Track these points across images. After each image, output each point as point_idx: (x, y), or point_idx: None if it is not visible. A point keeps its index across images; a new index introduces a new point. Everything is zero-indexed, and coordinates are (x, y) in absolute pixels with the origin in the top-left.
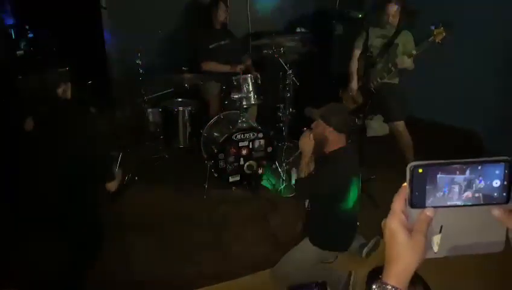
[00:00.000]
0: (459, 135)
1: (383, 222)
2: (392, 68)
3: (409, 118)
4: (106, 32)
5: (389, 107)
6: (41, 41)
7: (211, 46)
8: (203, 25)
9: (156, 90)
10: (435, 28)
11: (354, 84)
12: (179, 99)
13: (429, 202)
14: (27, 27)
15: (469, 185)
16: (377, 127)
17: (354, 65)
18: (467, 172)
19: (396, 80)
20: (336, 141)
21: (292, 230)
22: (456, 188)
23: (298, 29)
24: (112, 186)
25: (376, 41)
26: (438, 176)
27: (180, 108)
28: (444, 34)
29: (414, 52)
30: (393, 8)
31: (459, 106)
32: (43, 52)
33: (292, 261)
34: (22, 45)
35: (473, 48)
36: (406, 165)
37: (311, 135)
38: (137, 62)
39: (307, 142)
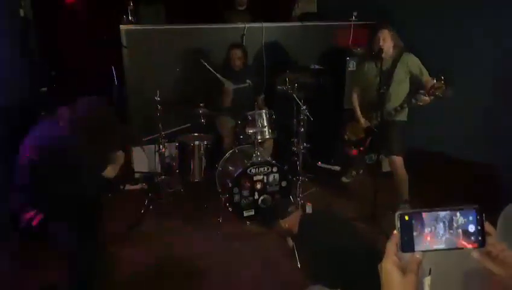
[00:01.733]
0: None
1: (379, 265)
2: (399, 108)
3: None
4: (126, 70)
5: (389, 142)
6: (63, 79)
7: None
8: (223, 66)
9: (173, 125)
10: (436, 81)
11: (359, 119)
12: (195, 134)
13: (417, 246)
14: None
15: (451, 222)
16: None
17: (354, 100)
18: (448, 210)
19: (404, 117)
20: None
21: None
22: (440, 225)
23: (312, 66)
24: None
25: (372, 74)
26: (423, 214)
27: (196, 142)
28: (444, 87)
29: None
30: (383, 34)
31: (471, 139)
32: (64, 88)
33: None
34: (45, 82)
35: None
36: (421, 199)
37: None
38: (156, 98)
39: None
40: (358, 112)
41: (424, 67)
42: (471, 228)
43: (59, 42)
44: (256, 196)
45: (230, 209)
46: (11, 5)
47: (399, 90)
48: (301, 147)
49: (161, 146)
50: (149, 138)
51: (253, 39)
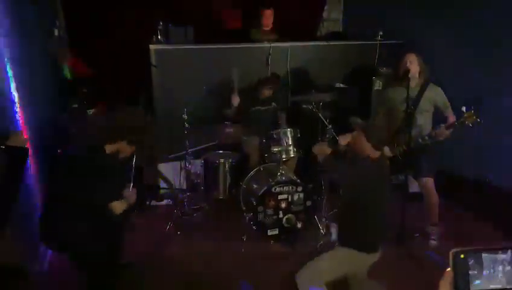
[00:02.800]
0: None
1: None
2: (426, 138)
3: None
4: (155, 88)
5: (419, 163)
6: (93, 96)
7: (252, 109)
8: (253, 89)
9: (199, 142)
10: (466, 111)
11: (385, 150)
12: (220, 152)
13: (473, 286)
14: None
15: (510, 265)
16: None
17: None
18: (509, 252)
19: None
20: (371, 155)
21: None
22: (499, 267)
23: (337, 85)
24: None
25: (397, 100)
26: (483, 255)
27: (221, 160)
28: (474, 117)
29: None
30: (410, 57)
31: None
32: (95, 106)
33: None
34: (76, 99)
35: None
36: (451, 222)
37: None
38: (184, 116)
39: (321, 150)
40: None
41: (451, 91)
42: None
43: (90, 60)
44: (280, 215)
45: (254, 227)
46: (47, 25)
47: (424, 120)
48: None
49: (187, 163)
50: (175, 155)
51: (279, 58)
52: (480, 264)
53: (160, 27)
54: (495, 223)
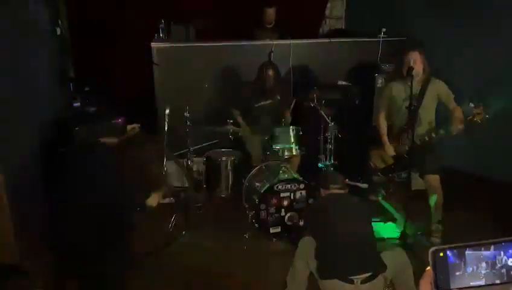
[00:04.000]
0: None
1: None
2: (433, 134)
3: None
4: (157, 86)
5: (424, 161)
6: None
7: (256, 105)
8: (253, 82)
9: (201, 140)
10: (474, 107)
11: (388, 148)
12: (223, 150)
13: (453, 284)
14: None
15: (494, 261)
16: (421, 180)
17: (382, 125)
18: (492, 248)
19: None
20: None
21: None
22: (483, 264)
23: (340, 82)
24: None
25: (400, 97)
26: (466, 252)
27: (224, 158)
28: (483, 113)
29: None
30: (414, 55)
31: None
32: (97, 104)
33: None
34: (79, 97)
35: None
36: (452, 220)
37: None
38: (186, 114)
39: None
40: (385, 138)
41: (457, 86)
42: None
43: (93, 59)
44: (282, 213)
45: (256, 225)
46: (50, 24)
47: (427, 116)
48: (328, 164)
49: (189, 161)
50: (178, 153)
51: (281, 56)
52: (463, 262)
53: (161, 25)
54: (499, 221)
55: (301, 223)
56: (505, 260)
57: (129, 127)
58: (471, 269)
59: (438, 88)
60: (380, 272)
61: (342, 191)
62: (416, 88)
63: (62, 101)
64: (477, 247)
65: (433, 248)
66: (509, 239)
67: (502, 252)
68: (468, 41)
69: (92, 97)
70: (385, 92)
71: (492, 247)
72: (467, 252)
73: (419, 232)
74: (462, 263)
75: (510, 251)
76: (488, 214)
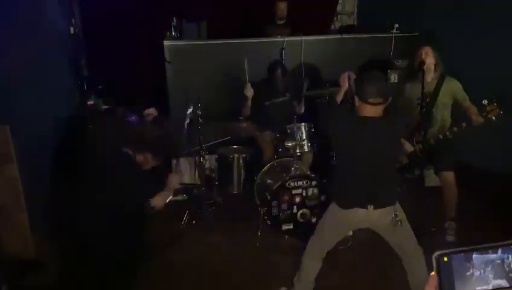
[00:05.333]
0: None
1: None
2: (448, 133)
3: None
4: (169, 84)
5: (439, 158)
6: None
7: (266, 103)
8: (265, 80)
9: (213, 138)
10: (488, 104)
11: (405, 146)
12: (235, 147)
13: (459, 289)
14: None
15: (502, 265)
16: (435, 177)
17: None
18: (499, 251)
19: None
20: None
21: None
22: (489, 268)
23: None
24: None
25: (414, 96)
26: (473, 256)
27: (236, 155)
28: (497, 110)
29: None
30: (426, 49)
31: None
32: (110, 102)
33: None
34: (92, 95)
35: None
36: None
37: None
38: (198, 112)
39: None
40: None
41: (470, 83)
42: None
43: (105, 58)
44: (295, 210)
45: (268, 222)
46: (63, 23)
47: (444, 114)
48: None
49: (201, 158)
50: (190, 150)
51: (293, 52)
52: (470, 266)
53: (174, 23)
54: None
55: (313, 220)
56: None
57: (146, 111)
58: (478, 273)
59: (453, 87)
60: (392, 204)
61: (380, 107)
62: (431, 86)
63: (76, 100)
64: (484, 250)
65: (436, 253)
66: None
67: (510, 256)
68: (479, 37)
69: (105, 95)
70: (399, 90)
71: (500, 250)
72: (474, 255)
73: (433, 229)
74: (469, 267)
75: None
76: (506, 211)
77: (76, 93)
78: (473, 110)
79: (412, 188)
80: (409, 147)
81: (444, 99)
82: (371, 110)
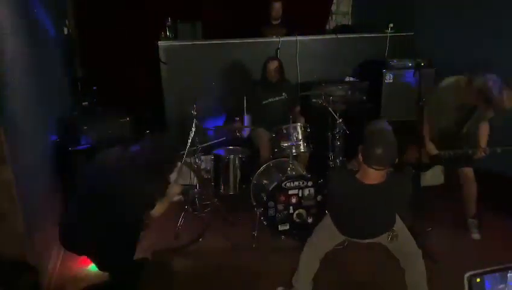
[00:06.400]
0: None
1: None
2: (470, 152)
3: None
4: (164, 85)
5: (458, 155)
6: (104, 93)
7: (264, 102)
8: (260, 79)
9: (209, 138)
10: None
11: (428, 145)
12: (230, 147)
13: None
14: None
15: None
16: (431, 176)
17: (426, 130)
18: None
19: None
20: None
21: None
22: None
23: (347, 78)
24: None
25: (451, 106)
26: (508, 275)
27: (231, 156)
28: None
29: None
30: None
31: None
32: (105, 103)
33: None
34: (87, 96)
35: None
36: (464, 217)
37: None
38: (193, 112)
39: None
40: (427, 139)
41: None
42: None
43: (100, 59)
44: (291, 210)
45: (265, 223)
46: (58, 24)
47: (480, 130)
48: (337, 161)
49: (197, 159)
50: (185, 151)
51: (288, 52)
52: (506, 285)
53: (168, 23)
54: None
55: (310, 220)
56: None
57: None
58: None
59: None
60: (389, 231)
61: (382, 173)
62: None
63: (71, 101)
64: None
65: (468, 274)
66: None
67: None
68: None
69: (100, 96)
70: (434, 96)
71: None
72: (509, 275)
73: (429, 229)
74: (504, 287)
75: None
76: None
77: (70, 94)
78: (485, 134)
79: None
80: (433, 149)
81: (479, 115)
82: (374, 175)
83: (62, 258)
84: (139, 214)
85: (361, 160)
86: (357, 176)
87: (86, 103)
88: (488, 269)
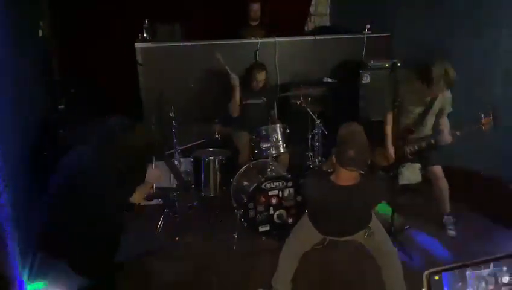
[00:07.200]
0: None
1: None
2: (432, 141)
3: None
4: (142, 87)
5: (426, 154)
6: (81, 96)
7: (243, 103)
8: (241, 81)
9: (188, 140)
10: (484, 118)
11: (390, 148)
12: (210, 149)
13: None
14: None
15: (496, 279)
16: (409, 174)
17: (388, 129)
18: (491, 265)
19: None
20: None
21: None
22: (482, 284)
23: (325, 79)
24: None
25: (411, 106)
26: (467, 272)
27: (211, 158)
28: (492, 124)
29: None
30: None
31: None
32: (82, 106)
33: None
34: (64, 99)
35: None
36: (441, 215)
37: None
38: (171, 115)
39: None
40: (389, 141)
41: None
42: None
43: (77, 61)
44: (271, 211)
45: (245, 224)
46: (31, 25)
47: (432, 121)
48: (316, 161)
49: (176, 161)
50: (165, 153)
51: (267, 54)
52: (463, 283)
53: (145, 25)
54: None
55: (290, 220)
56: (509, 276)
57: None
58: (471, 289)
59: (446, 98)
60: (365, 228)
61: (354, 174)
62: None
63: (47, 103)
64: (476, 266)
65: (427, 272)
66: (509, 254)
67: (505, 268)
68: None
69: (77, 99)
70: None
71: (491, 264)
72: (467, 272)
73: (407, 227)
74: (462, 285)
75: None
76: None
77: (47, 96)
78: (444, 126)
79: (386, 187)
80: (391, 156)
81: (435, 108)
82: (347, 176)
83: (37, 266)
84: (119, 206)
85: (334, 161)
86: (332, 177)
87: (63, 106)
88: (447, 266)
